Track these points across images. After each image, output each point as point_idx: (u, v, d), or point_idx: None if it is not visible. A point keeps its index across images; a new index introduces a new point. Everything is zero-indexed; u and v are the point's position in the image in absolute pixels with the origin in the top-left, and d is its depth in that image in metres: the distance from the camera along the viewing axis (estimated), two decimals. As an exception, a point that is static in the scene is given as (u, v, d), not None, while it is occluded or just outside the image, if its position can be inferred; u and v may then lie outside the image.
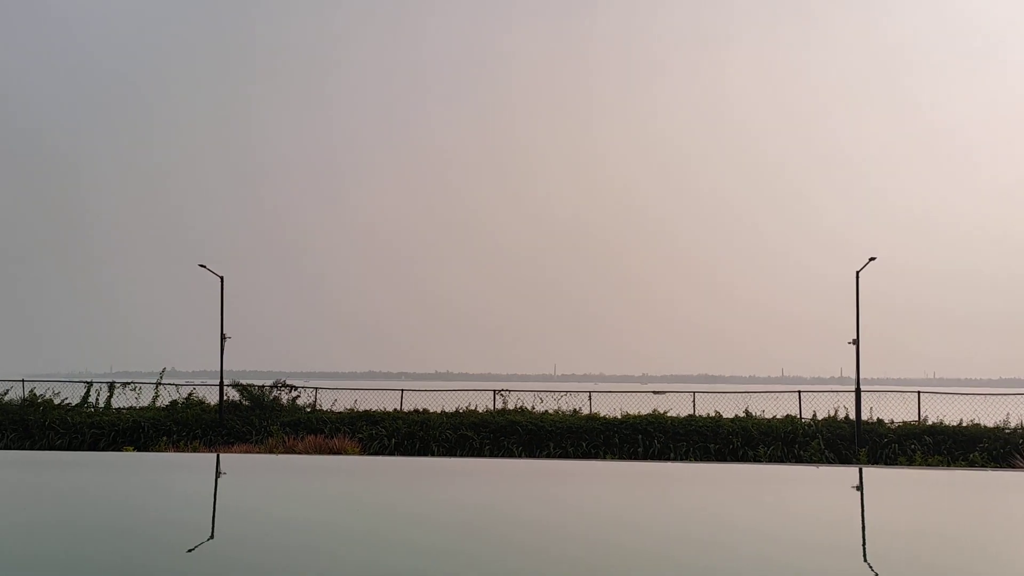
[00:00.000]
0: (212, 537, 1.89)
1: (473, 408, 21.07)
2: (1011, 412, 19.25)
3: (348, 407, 21.74)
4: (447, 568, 1.62)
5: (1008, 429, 18.04)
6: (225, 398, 21.13)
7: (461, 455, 17.72)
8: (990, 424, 18.39)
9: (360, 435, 18.59)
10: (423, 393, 24.32)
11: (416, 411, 20.89)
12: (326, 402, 22.63)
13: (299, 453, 14.76)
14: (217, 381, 21.26)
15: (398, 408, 21.98)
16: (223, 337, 21.26)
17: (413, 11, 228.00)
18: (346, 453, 15.52)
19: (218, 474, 3.05)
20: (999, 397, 20.98)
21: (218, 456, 3.50)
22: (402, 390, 23.93)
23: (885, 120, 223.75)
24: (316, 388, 23.67)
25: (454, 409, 21.01)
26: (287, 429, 19.03)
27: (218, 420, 20.19)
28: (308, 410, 21.64)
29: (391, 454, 17.57)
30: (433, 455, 17.69)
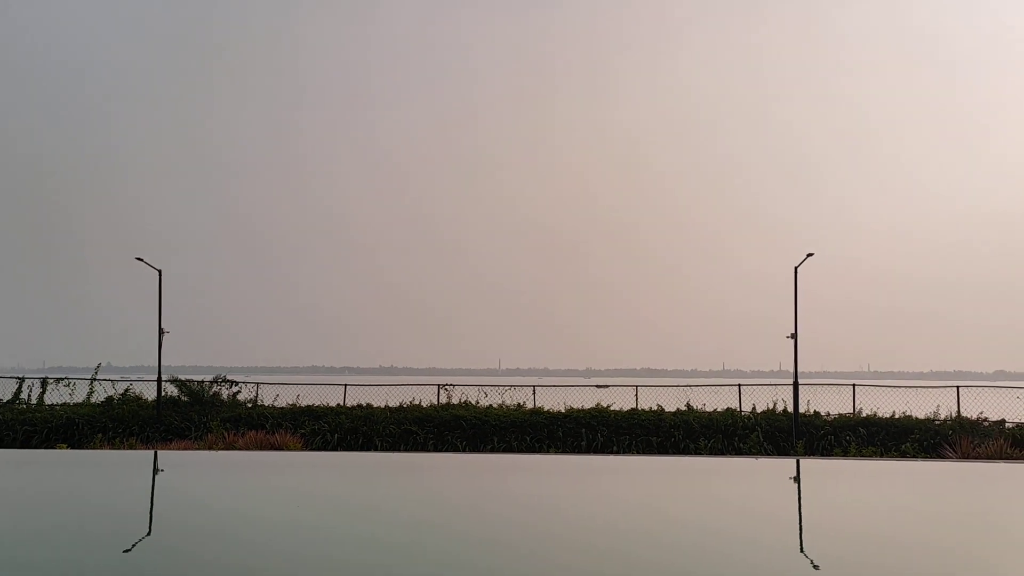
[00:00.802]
0: (149, 535, 1.86)
1: (417, 403, 21.01)
2: (941, 404, 19.88)
3: (290, 402, 21.51)
4: (391, 562, 1.61)
5: (938, 421, 18.61)
6: (163, 394, 20.75)
7: (405, 450, 17.66)
8: (921, 416, 18.94)
9: (303, 430, 18.40)
10: (367, 388, 24.18)
11: (359, 406, 20.74)
12: (268, 397, 22.37)
13: (239, 449, 14.55)
14: (155, 376, 20.87)
15: (341, 403, 21.81)
16: (161, 332, 20.86)
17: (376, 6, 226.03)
18: (288, 449, 15.36)
19: (156, 471, 3.00)
20: (930, 390, 21.68)
21: (156, 453, 3.44)
22: (345, 385, 23.76)
23: (827, 118, 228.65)
24: (257, 383, 23.38)
25: (398, 404, 20.91)
26: (227, 425, 18.75)
27: (156, 416, 19.80)
28: (249, 405, 21.36)
29: (334, 449, 17.43)
30: (376, 450, 17.59)
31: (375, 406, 20.72)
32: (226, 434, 17.13)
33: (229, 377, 22.62)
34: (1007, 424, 18.44)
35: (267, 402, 21.90)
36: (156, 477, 2.85)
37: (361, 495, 2.56)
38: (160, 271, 20.95)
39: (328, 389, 23.56)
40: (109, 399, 21.54)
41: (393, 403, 21.11)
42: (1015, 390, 24.00)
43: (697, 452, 17.73)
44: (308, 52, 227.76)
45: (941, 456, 15.71)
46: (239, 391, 22.08)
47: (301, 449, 16.00)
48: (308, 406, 20.74)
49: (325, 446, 18.13)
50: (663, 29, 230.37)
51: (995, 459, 13.41)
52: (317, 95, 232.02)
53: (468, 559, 1.66)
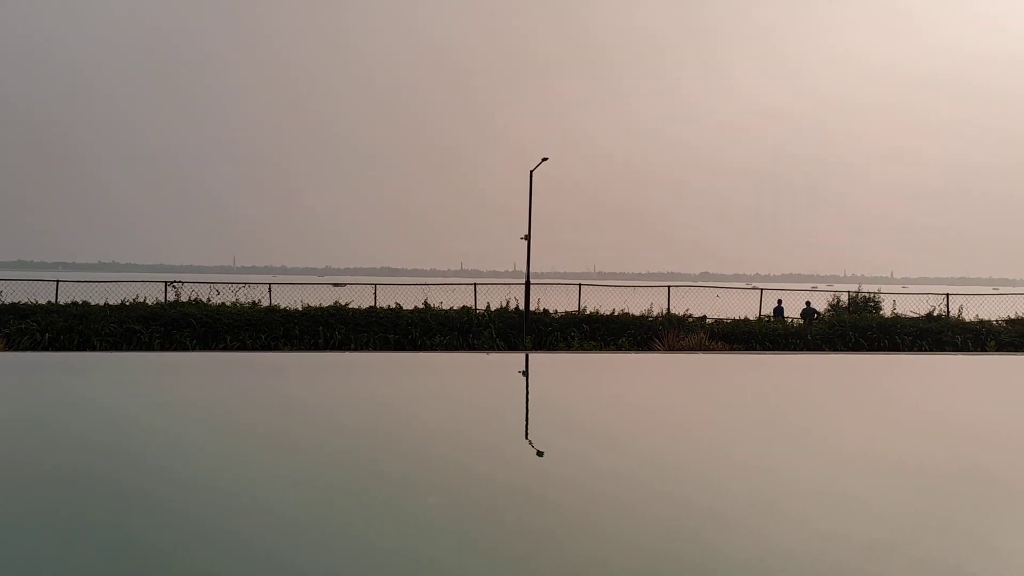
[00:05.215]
0: None
1: (142, 300, 19.72)
2: (654, 303, 21.84)
3: (-10, 300, 19.39)
4: (106, 467, 1.51)
5: (651, 317, 20.41)
6: None
7: (128, 350, 16.60)
8: (637, 313, 20.66)
9: (7, 330, 16.73)
10: (83, 284, 22.48)
11: (74, 304, 19.11)
12: (-37, 295, 20.04)
13: (-72, 351, 12.97)
14: None
15: (53, 301, 20.01)
16: None
17: None
18: (-11, 350, 13.91)
19: None
20: (647, 289, 23.74)
21: None
22: (57, 281, 21.89)
23: (564, 40, 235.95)
24: (-50, 278, 20.89)
25: (120, 302, 19.52)
26: (-88, 325, 16.62)
27: None
28: (-61, 303, 19.03)
29: (44, 350, 16.04)
30: (95, 351, 16.40)
31: (92, 304, 19.20)
32: (-90, 335, 15.21)
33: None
34: (707, 320, 20.63)
35: (-37, 300, 19.61)
36: None
37: (75, 396, 2.36)
38: None
39: (37, 285, 21.61)
40: None
41: (114, 301, 19.68)
42: (715, 289, 26.90)
43: (433, 348, 18.22)
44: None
45: (651, 348, 17.27)
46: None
47: (4, 350, 14.56)
48: (13, 303, 18.81)
49: (34, 347, 16.63)
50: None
51: (695, 350, 14.99)
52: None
53: (203, 459, 1.58)
